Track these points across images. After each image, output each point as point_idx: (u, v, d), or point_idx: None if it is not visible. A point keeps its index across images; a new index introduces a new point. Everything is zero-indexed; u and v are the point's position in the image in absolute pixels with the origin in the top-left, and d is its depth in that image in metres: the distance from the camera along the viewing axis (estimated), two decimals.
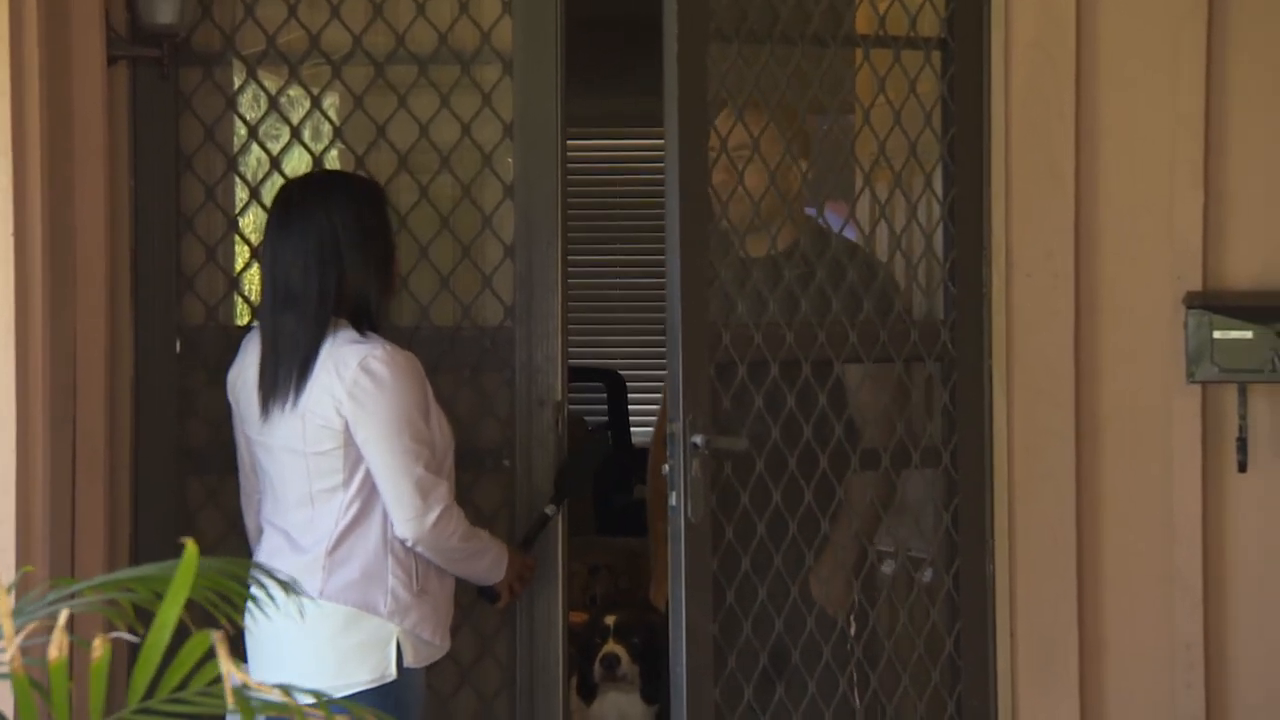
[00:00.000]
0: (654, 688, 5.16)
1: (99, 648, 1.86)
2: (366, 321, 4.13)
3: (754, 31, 4.40)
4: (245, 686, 1.67)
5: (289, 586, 1.87)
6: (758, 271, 4.44)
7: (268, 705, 1.73)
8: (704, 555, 4.21)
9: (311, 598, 4.00)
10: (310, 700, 1.75)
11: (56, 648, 1.88)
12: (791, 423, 4.39)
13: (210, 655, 1.70)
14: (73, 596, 2.01)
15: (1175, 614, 4.60)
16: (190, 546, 1.75)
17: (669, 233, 4.21)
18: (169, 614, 1.69)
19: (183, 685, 1.75)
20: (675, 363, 4.19)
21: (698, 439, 4.14)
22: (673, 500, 4.17)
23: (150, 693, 1.77)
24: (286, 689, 1.67)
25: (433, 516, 4.06)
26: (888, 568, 4.59)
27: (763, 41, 4.40)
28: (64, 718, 1.92)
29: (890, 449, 4.50)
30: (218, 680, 1.68)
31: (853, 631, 4.50)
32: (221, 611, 1.85)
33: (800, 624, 4.41)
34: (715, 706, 4.26)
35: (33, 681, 1.93)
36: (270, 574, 1.86)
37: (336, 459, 4.08)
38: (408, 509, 4.06)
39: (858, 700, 4.48)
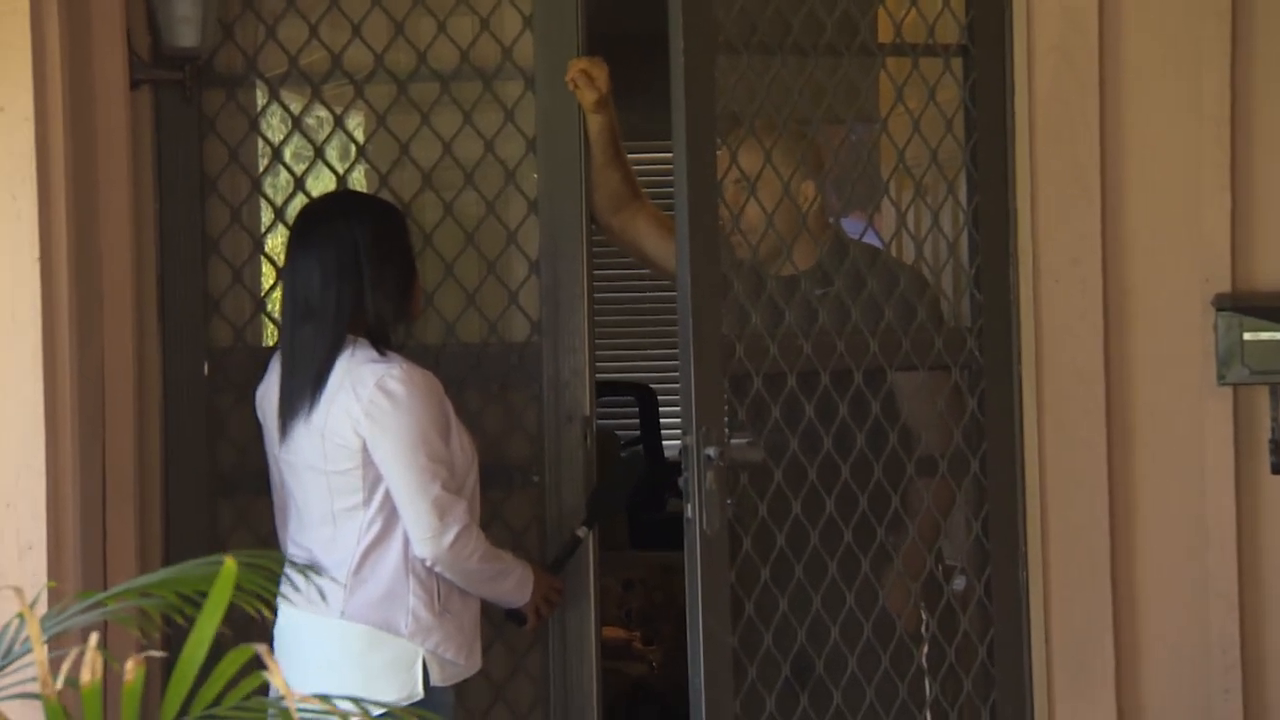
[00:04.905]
0: None
1: (132, 670, 1.83)
2: (385, 341, 4.13)
3: (764, 43, 4.38)
4: (284, 699, 1.65)
5: (310, 570, 1.85)
6: (787, 289, 4.43)
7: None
8: (720, 567, 4.20)
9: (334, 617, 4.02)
10: (350, 710, 1.73)
11: (90, 670, 1.84)
12: (842, 432, 4.40)
13: (243, 671, 1.68)
14: (100, 606, 1.98)
15: (1211, 618, 4.57)
16: (229, 563, 1.74)
17: (679, 244, 4.22)
18: (205, 630, 1.67)
19: (217, 701, 1.72)
20: (687, 375, 4.19)
21: (711, 451, 4.13)
22: (688, 512, 4.16)
23: (185, 709, 1.75)
24: (327, 698, 1.66)
25: (450, 536, 4.04)
26: (959, 584, 4.57)
27: (773, 53, 4.39)
28: None
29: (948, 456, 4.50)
30: (252, 695, 1.66)
31: (925, 647, 4.48)
32: (251, 604, 1.82)
33: (824, 635, 4.39)
34: (735, 718, 4.24)
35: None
36: (294, 565, 1.84)
37: (356, 478, 4.07)
38: (425, 528, 4.04)
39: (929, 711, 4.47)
